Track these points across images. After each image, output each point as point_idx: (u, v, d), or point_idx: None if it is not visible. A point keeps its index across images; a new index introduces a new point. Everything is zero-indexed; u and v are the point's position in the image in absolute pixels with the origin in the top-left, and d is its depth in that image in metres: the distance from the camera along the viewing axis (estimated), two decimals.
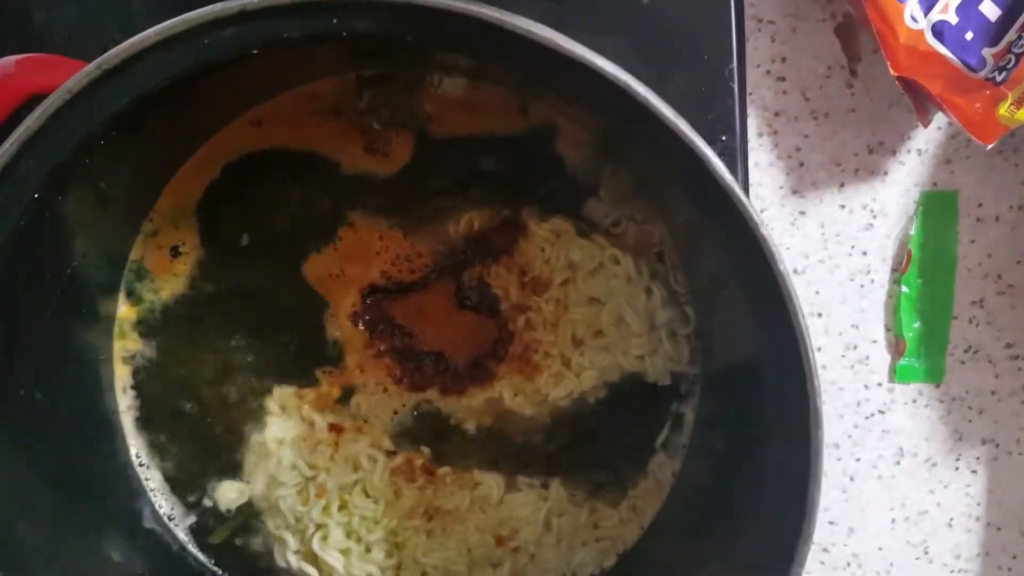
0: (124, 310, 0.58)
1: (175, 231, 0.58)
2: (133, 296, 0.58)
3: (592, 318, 0.59)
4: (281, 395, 0.60)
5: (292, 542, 0.60)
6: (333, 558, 0.59)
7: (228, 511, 0.60)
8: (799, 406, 0.41)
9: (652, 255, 0.58)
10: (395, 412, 0.60)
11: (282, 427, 0.59)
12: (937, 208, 0.67)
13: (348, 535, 0.60)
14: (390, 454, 0.60)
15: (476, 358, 0.59)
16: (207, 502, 0.60)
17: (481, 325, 0.59)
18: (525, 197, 0.58)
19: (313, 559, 0.60)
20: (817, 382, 0.40)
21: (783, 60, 0.66)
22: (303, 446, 0.60)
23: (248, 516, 0.61)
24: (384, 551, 0.60)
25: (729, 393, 0.55)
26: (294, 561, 0.60)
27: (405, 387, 0.59)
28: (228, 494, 0.60)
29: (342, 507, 0.59)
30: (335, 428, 0.59)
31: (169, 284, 0.58)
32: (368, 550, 0.60)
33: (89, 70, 0.38)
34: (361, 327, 0.59)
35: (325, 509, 0.59)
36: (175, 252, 0.58)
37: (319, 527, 0.59)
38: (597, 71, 0.37)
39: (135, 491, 0.59)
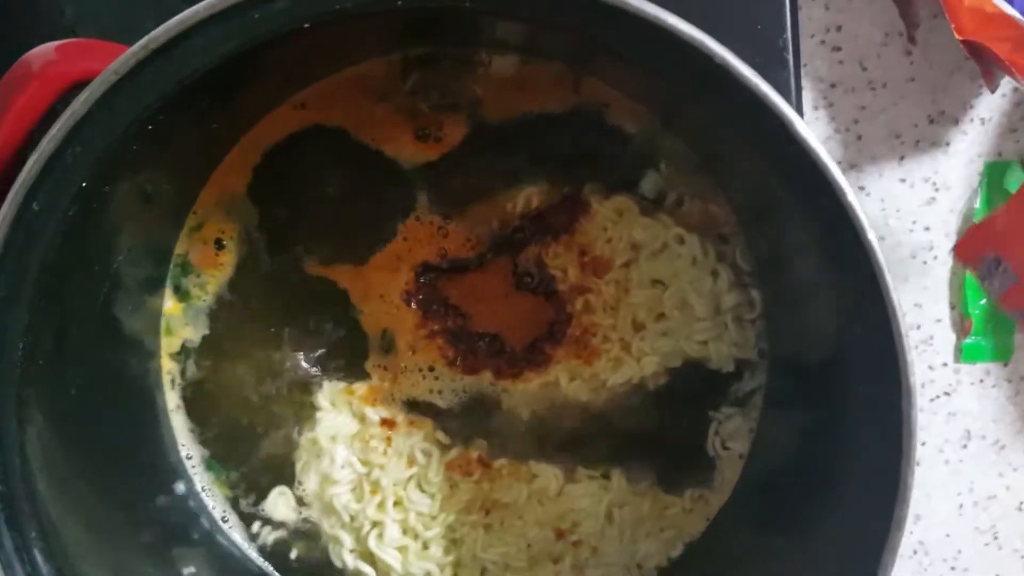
0: (171, 305, 0.57)
1: (219, 223, 0.56)
2: (180, 291, 0.57)
3: (654, 301, 0.56)
4: (331, 390, 0.58)
5: (347, 541, 0.58)
6: (390, 556, 0.57)
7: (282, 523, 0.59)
8: (887, 383, 0.39)
9: (717, 235, 0.56)
10: (444, 395, 0.58)
11: (333, 424, 0.58)
12: (1001, 179, 0.65)
13: (404, 532, 0.58)
14: (445, 448, 0.58)
15: (532, 341, 0.57)
16: (261, 510, 0.59)
17: (538, 307, 0.57)
18: (586, 174, 0.56)
19: (369, 558, 0.58)
20: (910, 356, 0.38)
21: (839, 29, 0.63)
22: (355, 442, 0.58)
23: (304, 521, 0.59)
24: (442, 548, 0.58)
25: (802, 374, 0.52)
26: (350, 560, 0.58)
27: (458, 369, 0.57)
28: (281, 510, 0.58)
29: (397, 503, 0.58)
30: (387, 423, 0.58)
31: (215, 278, 0.57)
32: (425, 547, 0.58)
33: (135, 50, 0.37)
34: (414, 306, 0.57)
35: (380, 506, 0.57)
36: (219, 245, 0.57)
37: (375, 524, 0.58)
38: (670, 30, 0.35)
39: (186, 492, 0.57)
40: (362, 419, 0.58)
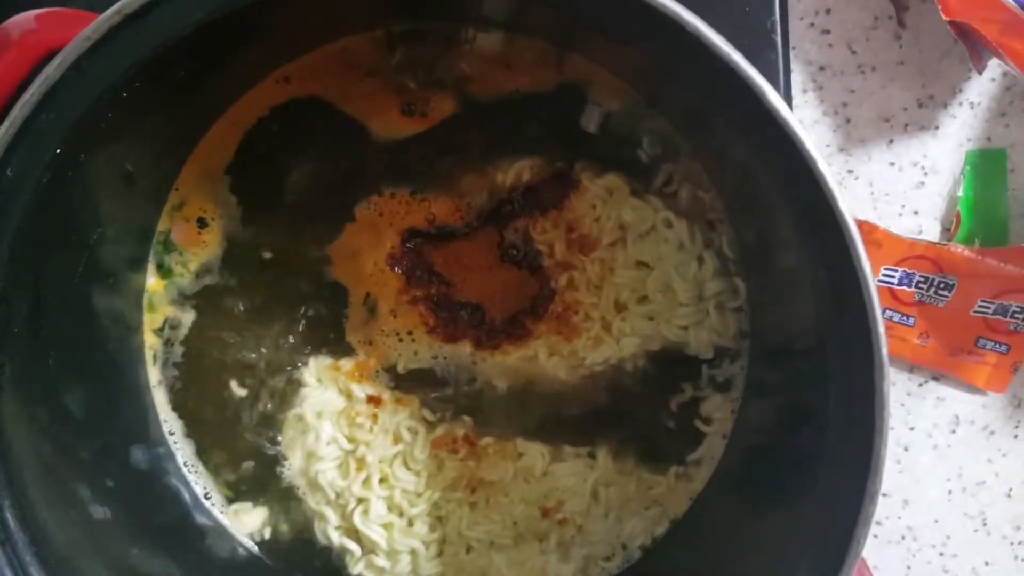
0: (153, 282, 0.57)
1: (202, 201, 0.56)
2: (162, 268, 0.57)
3: (638, 283, 0.56)
4: (317, 367, 0.58)
5: (333, 517, 0.58)
6: (375, 533, 0.57)
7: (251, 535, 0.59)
8: (861, 362, 0.39)
9: (705, 222, 0.56)
10: (422, 362, 0.58)
11: (320, 400, 0.58)
12: (984, 168, 0.65)
13: (390, 509, 0.58)
14: (431, 425, 0.58)
15: (514, 314, 0.57)
16: (241, 485, 0.59)
17: (522, 280, 0.57)
18: (578, 151, 0.56)
19: (355, 534, 0.58)
20: (881, 329, 0.38)
21: (828, 12, 0.63)
22: (341, 419, 0.58)
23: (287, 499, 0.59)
24: (427, 525, 0.58)
25: (783, 361, 0.52)
26: (335, 537, 0.58)
27: (438, 337, 0.57)
28: (250, 521, 0.59)
29: (383, 480, 0.58)
30: (374, 400, 0.58)
31: (197, 256, 0.57)
32: (411, 524, 0.58)
33: (109, 15, 0.37)
34: (397, 271, 0.57)
35: (366, 483, 0.58)
36: (202, 223, 0.57)
37: (360, 501, 0.58)
38: (644, 2, 0.35)
39: (168, 468, 0.57)
40: (348, 396, 0.58)
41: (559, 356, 0.57)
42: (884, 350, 0.38)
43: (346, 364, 0.58)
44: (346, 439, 0.58)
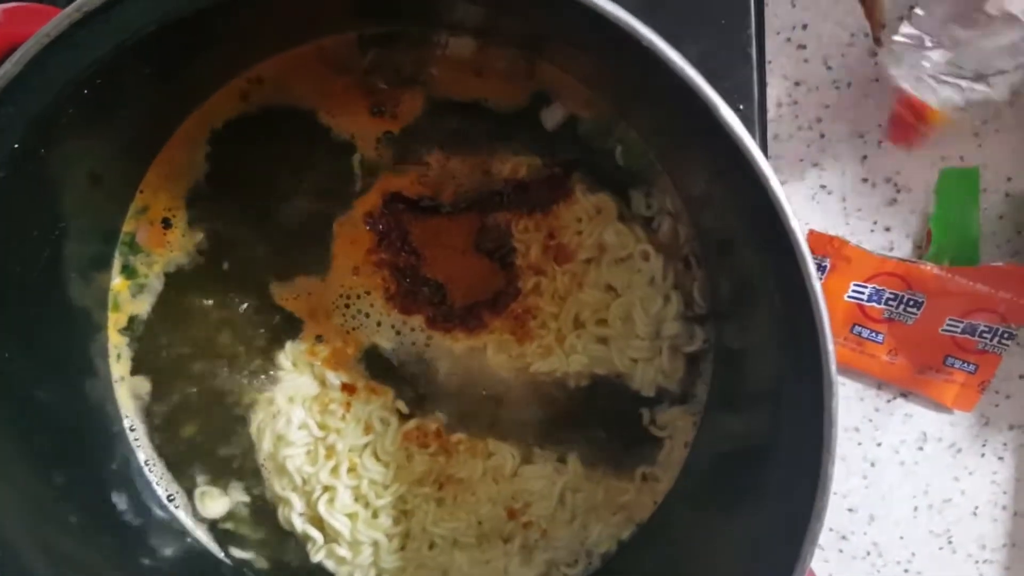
0: (118, 282, 0.57)
1: (167, 201, 0.56)
2: (127, 269, 0.57)
3: (602, 305, 0.57)
4: (293, 351, 0.58)
5: (298, 504, 0.58)
6: (339, 522, 0.57)
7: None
8: (813, 378, 0.39)
9: (680, 260, 0.56)
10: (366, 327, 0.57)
11: (293, 384, 0.58)
12: (956, 186, 0.65)
13: (356, 499, 0.58)
14: (403, 418, 0.58)
15: (474, 303, 0.57)
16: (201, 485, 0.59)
17: (490, 272, 0.57)
18: (580, 163, 0.56)
19: (318, 523, 0.58)
20: (831, 347, 0.38)
21: (804, 27, 0.63)
22: (314, 405, 0.58)
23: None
24: (392, 518, 0.58)
25: (741, 374, 0.53)
26: (298, 523, 0.58)
27: (394, 306, 0.57)
28: (213, 505, 0.58)
29: (351, 470, 0.58)
30: (348, 388, 0.58)
31: (163, 257, 0.57)
32: (375, 515, 0.58)
33: (69, 12, 0.37)
34: (369, 230, 0.56)
35: (334, 471, 0.57)
36: (167, 224, 0.57)
37: (326, 489, 0.58)
38: (601, 13, 0.35)
39: (129, 466, 0.57)
40: (323, 382, 0.58)
41: (507, 355, 0.57)
42: (833, 367, 0.38)
43: (323, 350, 0.58)
44: (317, 426, 0.58)
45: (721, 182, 0.41)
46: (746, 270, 0.48)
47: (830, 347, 0.37)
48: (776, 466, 0.44)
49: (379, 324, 0.57)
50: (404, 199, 0.56)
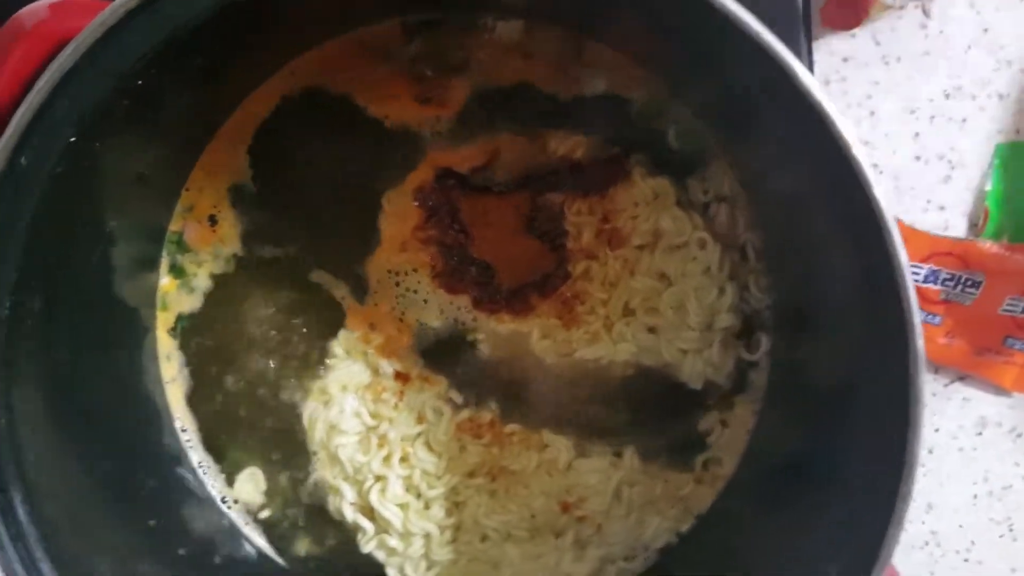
0: (167, 282, 0.56)
1: (213, 198, 0.56)
2: (175, 269, 0.56)
3: (653, 293, 0.55)
4: (346, 338, 0.57)
5: (349, 493, 0.57)
6: (391, 512, 0.56)
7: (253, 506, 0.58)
8: (894, 348, 0.37)
9: (737, 250, 0.54)
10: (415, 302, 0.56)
11: (346, 372, 0.57)
12: (1014, 161, 0.63)
13: (408, 489, 0.57)
14: (457, 407, 0.57)
15: (522, 285, 0.56)
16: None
17: (540, 254, 0.56)
18: (638, 146, 0.54)
19: (369, 512, 0.57)
20: (917, 319, 0.36)
21: None
22: (367, 394, 0.57)
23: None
24: (444, 509, 0.57)
25: (806, 366, 0.51)
26: (349, 513, 0.57)
27: (439, 284, 0.56)
28: (246, 488, 0.58)
29: (403, 459, 0.57)
30: (401, 376, 0.57)
31: (211, 255, 0.56)
32: (427, 506, 0.57)
33: (123, 1, 0.36)
34: (419, 206, 0.55)
35: (386, 460, 0.56)
36: (213, 221, 0.56)
37: (378, 479, 0.57)
38: None
39: (182, 468, 0.56)
40: (375, 371, 0.57)
41: (552, 340, 0.56)
42: (920, 342, 0.36)
43: (376, 338, 0.57)
44: (370, 414, 0.57)
45: (790, 156, 0.40)
46: (813, 255, 0.46)
47: (917, 321, 0.36)
48: (853, 449, 0.42)
49: (426, 302, 0.56)
50: (455, 175, 0.55)
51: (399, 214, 0.56)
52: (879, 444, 0.39)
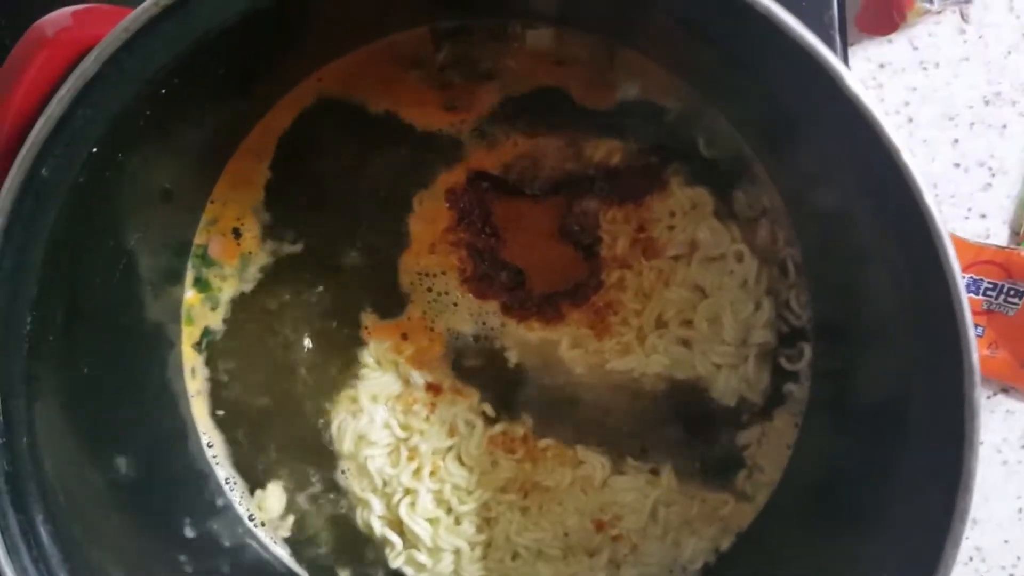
0: (191, 295, 0.55)
1: (237, 211, 0.55)
2: (200, 282, 0.56)
3: (688, 306, 0.54)
4: (377, 349, 0.56)
5: (377, 506, 0.56)
6: (420, 527, 0.55)
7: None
8: (947, 367, 0.36)
9: (776, 264, 0.53)
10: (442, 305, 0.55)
11: (377, 383, 0.56)
12: None
13: (438, 504, 0.56)
14: (489, 421, 0.55)
15: (553, 293, 0.54)
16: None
17: (573, 262, 0.54)
18: (674, 152, 0.53)
19: (398, 526, 0.56)
20: (971, 333, 0.35)
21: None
22: (397, 405, 0.56)
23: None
24: (475, 525, 0.55)
25: (848, 383, 0.49)
26: (377, 526, 0.56)
27: (468, 288, 0.55)
28: (273, 504, 0.56)
29: (433, 473, 0.55)
30: (433, 388, 0.56)
31: (236, 268, 0.56)
32: (458, 522, 0.56)
33: (147, 6, 0.35)
34: (450, 208, 0.54)
35: (416, 473, 0.55)
36: (237, 233, 0.55)
37: (408, 492, 0.55)
38: None
39: (207, 483, 0.55)
40: (407, 381, 0.56)
41: (582, 350, 0.55)
42: (975, 356, 0.35)
43: (407, 348, 0.55)
44: (400, 426, 0.56)
45: (834, 164, 0.38)
46: (857, 267, 0.44)
47: (971, 334, 0.34)
48: (904, 466, 0.41)
49: (456, 305, 0.55)
50: (489, 177, 0.54)
51: (429, 215, 0.55)
52: (932, 460, 0.38)
